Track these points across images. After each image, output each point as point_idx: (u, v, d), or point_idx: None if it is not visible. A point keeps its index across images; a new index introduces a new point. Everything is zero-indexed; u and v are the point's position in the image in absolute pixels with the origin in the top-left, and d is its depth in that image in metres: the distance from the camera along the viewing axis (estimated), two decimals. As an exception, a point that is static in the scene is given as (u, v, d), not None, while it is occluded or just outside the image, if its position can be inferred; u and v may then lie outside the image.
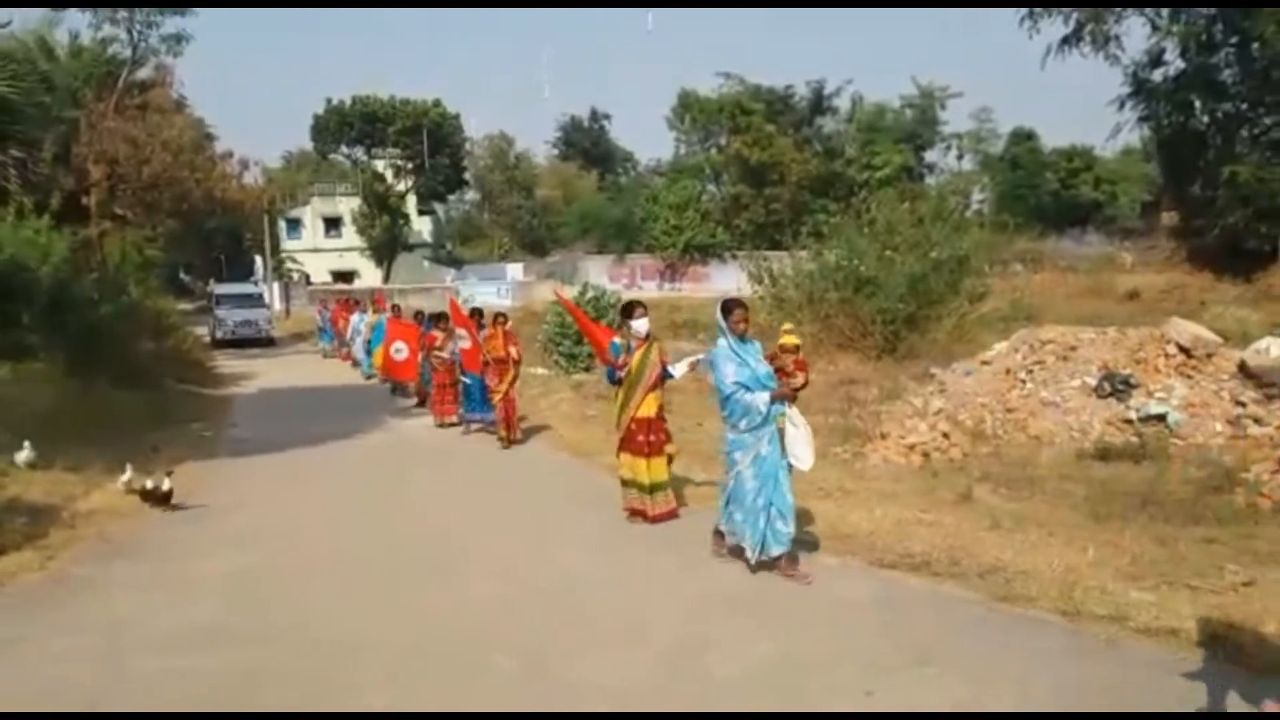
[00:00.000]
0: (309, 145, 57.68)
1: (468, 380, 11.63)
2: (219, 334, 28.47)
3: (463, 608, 5.41)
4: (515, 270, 47.12)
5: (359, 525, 7.54)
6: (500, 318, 11.19)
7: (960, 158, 52.19)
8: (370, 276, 50.54)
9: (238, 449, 11.20)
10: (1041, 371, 10.34)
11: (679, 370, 7.15)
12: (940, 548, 6.05)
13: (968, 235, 17.41)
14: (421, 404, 13.95)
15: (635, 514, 7.04)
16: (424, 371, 13.53)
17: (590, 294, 20.69)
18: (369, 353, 17.71)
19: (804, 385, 6.84)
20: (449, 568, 6.21)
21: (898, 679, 4.24)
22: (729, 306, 5.90)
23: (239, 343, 27.60)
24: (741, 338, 5.81)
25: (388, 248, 51.65)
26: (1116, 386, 9.54)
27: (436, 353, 12.60)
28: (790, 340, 7.00)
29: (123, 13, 24.95)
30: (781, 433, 5.63)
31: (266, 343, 28.49)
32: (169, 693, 4.26)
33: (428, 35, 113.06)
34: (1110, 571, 5.45)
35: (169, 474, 7.35)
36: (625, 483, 7.09)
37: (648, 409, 6.91)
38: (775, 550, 5.60)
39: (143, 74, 27.45)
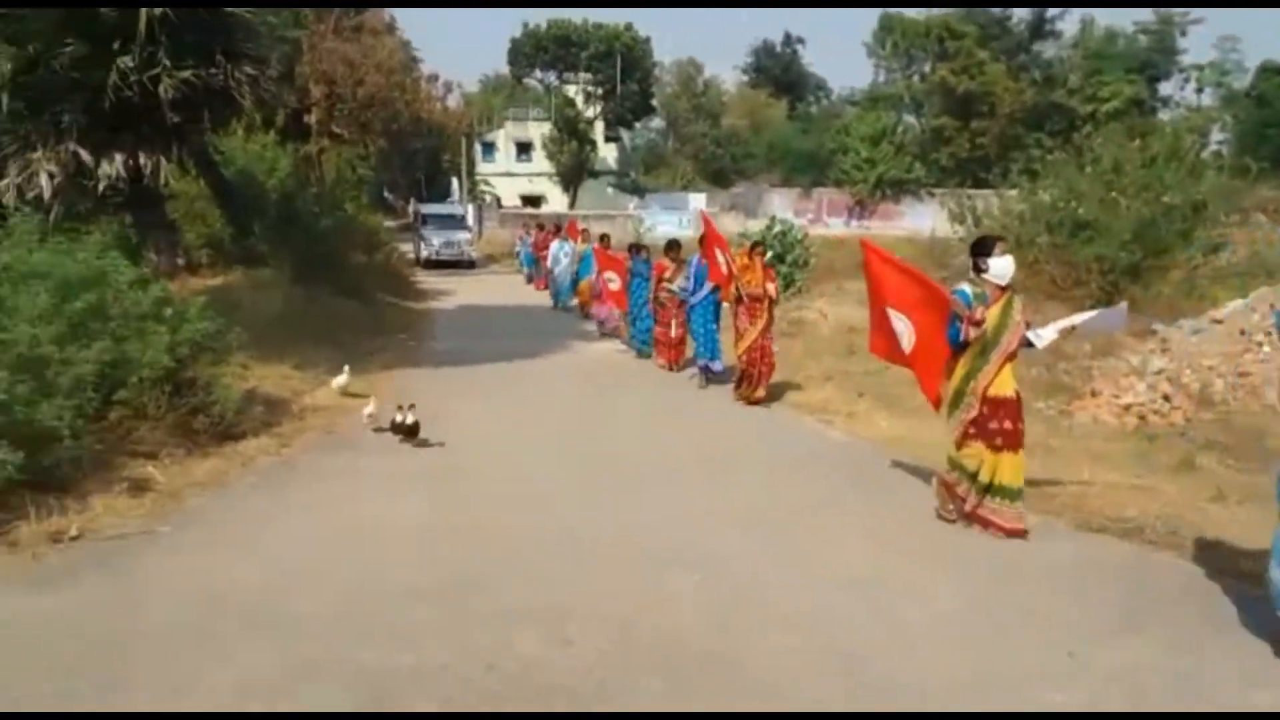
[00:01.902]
0: (505, 69, 59.30)
1: (698, 320, 10.33)
2: (425, 254, 28.62)
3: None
4: (698, 200, 46.90)
5: (555, 440, 7.86)
6: (758, 247, 9.75)
7: (1199, 91, 47.14)
8: (556, 201, 51.85)
9: (439, 359, 11.90)
10: (1285, 334, 9.26)
11: (1045, 337, 5.57)
12: (1156, 515, 5.66)
13: (1204, 179, 15.67)
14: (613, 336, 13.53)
15: (950, 491, 5.53)
16: (633, 304, 12.68)
17: (776, 228, 20.31)
18: (573, 284, 17.32)
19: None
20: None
21: (1103, 643, 4.01)
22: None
23: (442, 264, 28.02)
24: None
25: (574, 173, 52.67)
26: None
27: (667, 285, 11.11)
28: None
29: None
30: None
31: (468, 265, 28.69)
32: (388, 571, 4.67)
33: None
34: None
35: (411, 407, 7.15)
36: (978, 484, 5.38)
37: (1004, 385, 5.31)
38: None
39: (357, -5, 28.87)
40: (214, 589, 4.41)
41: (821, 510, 5.96)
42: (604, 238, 15.73)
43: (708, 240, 10.04)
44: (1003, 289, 5.33)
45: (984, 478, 5.33)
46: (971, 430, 5.35)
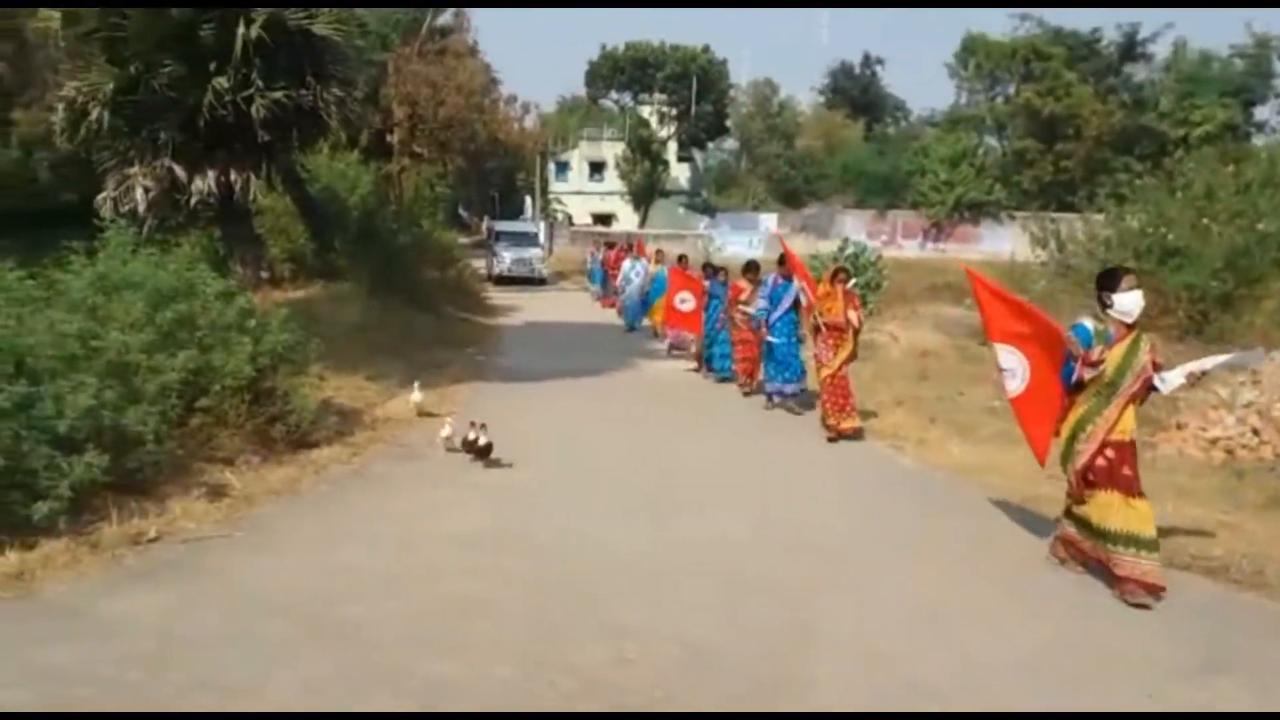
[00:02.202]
0: (582, 90, 60.14)
1: (777, 340, 9.88)
2: (496, 270, 28.72)
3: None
4: (769, 221, 46.70)
5: (621, 459, 7.86)
6: (842, 273, 9.22)
7: (1297, 115, 44.95)
8: (627, 220, 52.26)
9: (509, 374, 12.06)
10: (1390, 370, 8.75)
11: (1172, 382, 5.11)
12: (1243, 553, 5.45)
13: (1302, 206, 14.98)
14: (696, 367, 12.81)
15: (1141, 586, 4.71)
16: (709, 327, 12.33)
17: (849, 250, 20.10)
18: (645, 304, 16.77)
19: None
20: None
21: (1184, 684, 3.87)
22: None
23: (513, 280, 28.23)
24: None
25: (646, 193, 53.02)
26: None
27: (742, 307, 10.84)
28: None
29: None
30: None
31: (539, 282, 28.71)
32: (452, 584, 4.72)
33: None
34: None
35: (483, 427, 7.08)
36: (1111, 536, 4.80)
37: (1126, 428, 4.92)
38: None
39: (442, 20, 29.73)
40: (282, 594, 4.52)
41: (891, 539, 5.84)
42: (682, 258, 15.39)
43: (793, 265, 9.83)
44: (1129, 326, 4.89)
45: (1114, 525, 4.77)
46: (1092, 477, 4.90)
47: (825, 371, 8.74)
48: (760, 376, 10.61)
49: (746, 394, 10.92)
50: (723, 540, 5.61)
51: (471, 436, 7.09)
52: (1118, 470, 4.84)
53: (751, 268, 11.21)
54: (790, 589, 4.84)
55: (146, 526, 5.19)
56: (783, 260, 10.05)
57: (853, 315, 8.76)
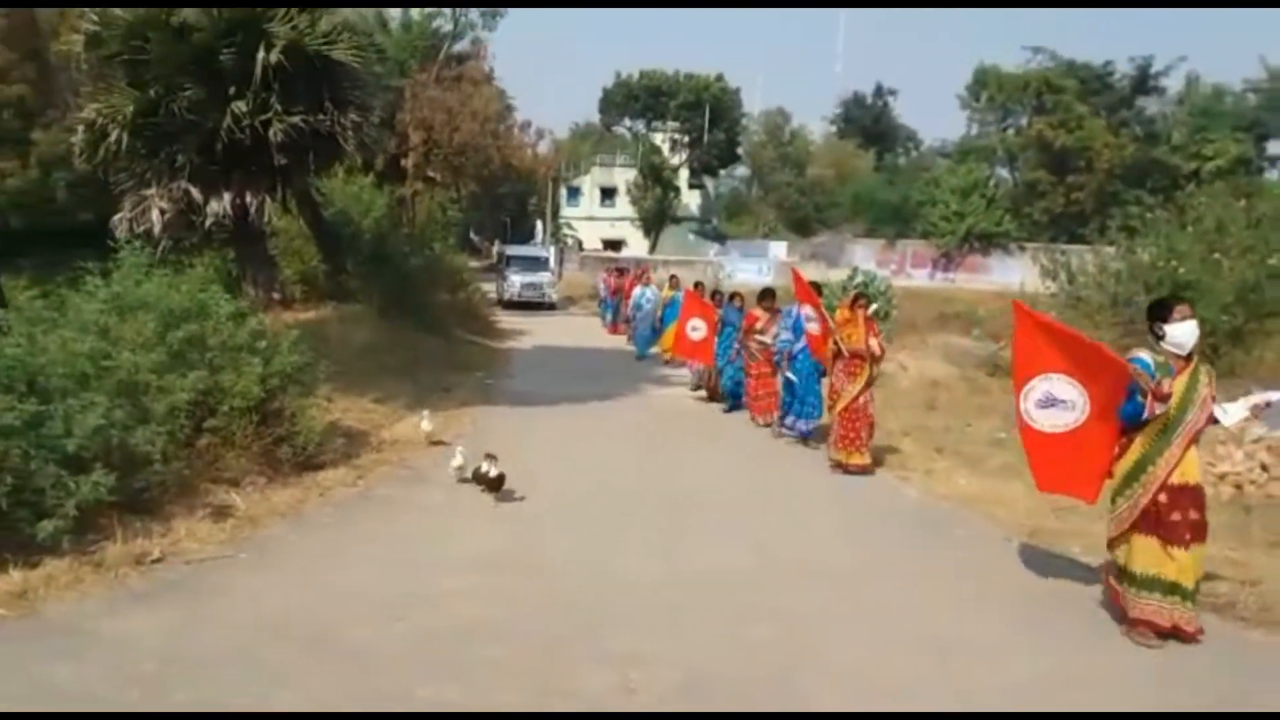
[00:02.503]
0: (596, 117, 60.65)
1: (790, 374, 9.63)
2: (506, 294, 28.68)
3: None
4: (778, 249, 46.79)
5: (627, 485, 7.83)
6: (861, 300, 8.89)
7: (1310, 150, 44.92)
8: (637, 246, 52.42)
9: (515, 398, 12.06)
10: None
11: (1235, 414, 4.94)
12: (1250, 590, 5.40)
13: (1314, 242, 14.95)
14: (712, 397, 12.40)
15: (1153, 629, 4.59)
16: (721, 354, 11.91)
17: (858, 279, 20.12)
18: (655, 331, 16.49)
19: None
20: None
21: (1192, 723, 3.81)
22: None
23: (522, 305, 28.18)
24: None
25: (656, 219, 53.26)
26: None
27: (758, 336, 10.54)
28: None
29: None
30: None
31: (548, 307, 28.70)
32: (457, 607, 4.72)
33: (717, 10, 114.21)
34: None
35: (494, 459, 6.90)
36: (1135, 579, 4.64)
37: (1188, 470, 4.64)
38: None
39: (459, 47, 30.18)
40: (284, 616, 4.53)
41: (895, 569, 5.81)
42: (698, 285, 14.92)
43: (800, 294, 9.58)
44: (1185, 359, 4.68)
45: (1176, 578, 4.56)
46: (1140, 524, 4.64)
47: (841, 403, 8.42)
48: (778, 412, 10.11)
49: (763, 426, 10.45)
50: (728, 569, 5.59)
51: (484, 469, 6.95)
52: (1181, 515, 4.61)
53: (767, 295, 10.99)
54: (794, 618, 4.82)
55: (151, 546, 5.22)
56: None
57: (874, 343, 8.49)
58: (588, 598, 4.98)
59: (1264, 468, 8.20)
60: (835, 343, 8.56)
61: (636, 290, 18.52)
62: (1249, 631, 4.92)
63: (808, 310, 9.41)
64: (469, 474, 7.10)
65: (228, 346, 7.00)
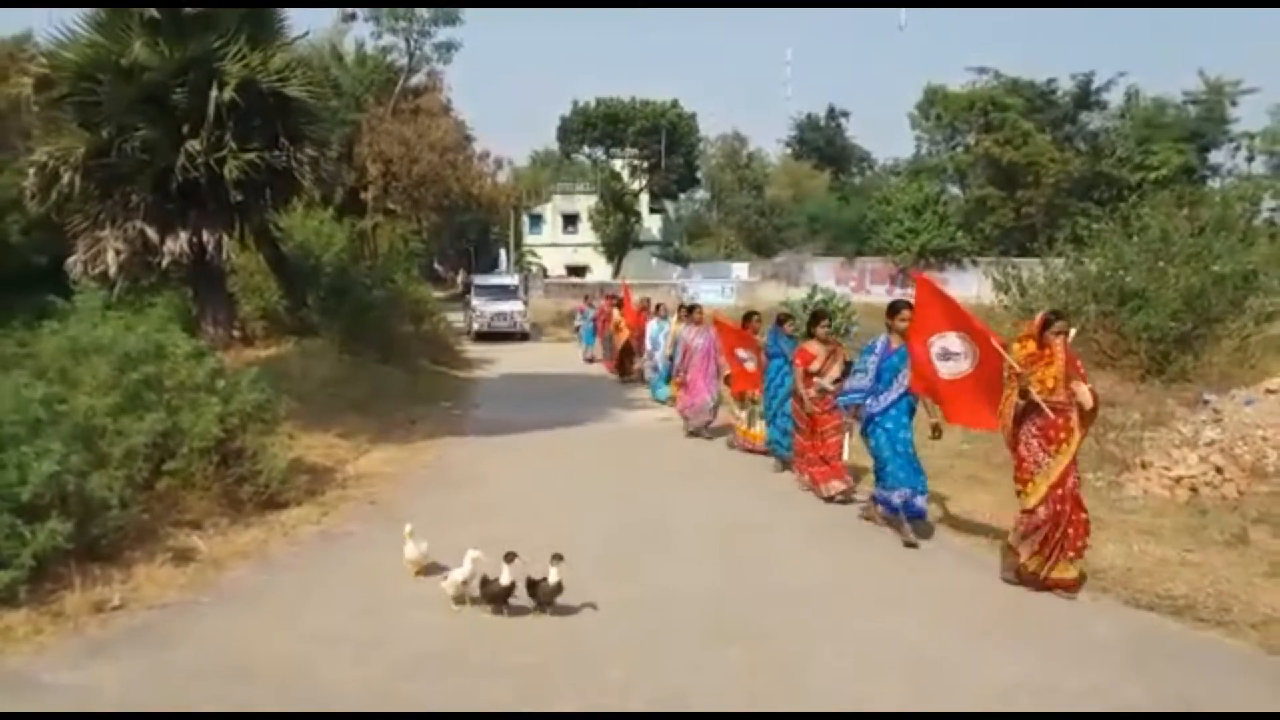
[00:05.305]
0: (554, 145, 61.03)
1: (869, 440, 7.08)
2: (475, 325, 27.87)
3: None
4: (740, 269, 47.22)
5: (603, 513, 7.72)
6: (1060, 323, 5.59)
7: (1251, 160, 46.34)
8: (601, 271, 52.67)
9: (482, 428, 11.99)
10: (1346, 406, 8.97)
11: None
12: (1207, 592, 5.55)
13: (1256, 248, 15.39)
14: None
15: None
16: (770, 396, 9.52)
17: (818, 296, 20.39)
18: (668, 372, 13.52)
19: None
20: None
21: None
22: None
23: (493, 335, 27.28)
24: None
25: (619, 244, 53.56)
26: None
27: (816, 381, 8.11)
28: None
29: (402, 22, 27.63)
30: None
31: (521, 337, 27.99)
32: (427, 642, 4.69)
33: (670, 35, 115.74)
34: None
35: (510, 560, 5.06)
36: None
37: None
38: None
39: (415, 80, 30.23)
40: (248, 661, 4.46)
41: (868, 582, 5.87)
42: (694, 309, 12.57)
43: (929, 317, 6.43)
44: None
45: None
46: None
47: (1043, 485, 5.53)
48: (844, 476, 8.01)
49: (812, 491, 8.18)
50: (703, 590, 5.59)
51: (494, 576, 5.07)
52: None
53: (817, 320, 8.53)
54: (767, 636, 4.84)
55: (110, 594, 5.12)
56: (896, 311, 6.92)
57: (1083, 389, 5.58)
58: (557, 628, 4.95)
59: (1219, 470, 8.40)
60: (1024, 391, 5.57)
61: (651, 325, 15.82)
62: (1207, 631, 5.04)
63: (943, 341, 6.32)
64: (475, 590, 5.13)
65: (185, 387, 6.92)
